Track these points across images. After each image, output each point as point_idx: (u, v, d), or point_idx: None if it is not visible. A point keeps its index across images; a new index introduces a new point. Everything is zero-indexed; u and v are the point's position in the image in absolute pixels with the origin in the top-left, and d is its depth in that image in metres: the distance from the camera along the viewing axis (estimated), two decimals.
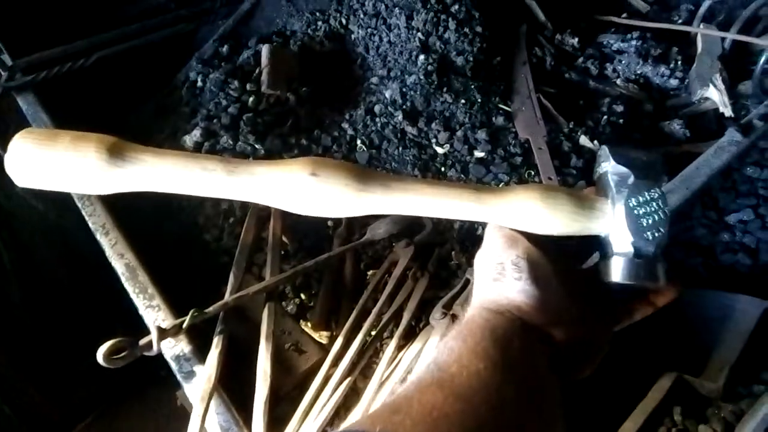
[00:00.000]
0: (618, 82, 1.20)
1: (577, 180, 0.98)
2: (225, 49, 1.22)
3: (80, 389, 1.47)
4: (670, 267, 0.52)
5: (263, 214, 0.95)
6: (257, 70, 1.14)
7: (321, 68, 1.17)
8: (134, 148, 0.54)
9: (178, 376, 0.71)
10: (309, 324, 0.84)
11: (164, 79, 1.23)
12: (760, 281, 0.84)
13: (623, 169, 0.52)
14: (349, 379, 0.71)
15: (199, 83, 1.16)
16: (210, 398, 0.65)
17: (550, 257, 0.52)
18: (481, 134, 1.03)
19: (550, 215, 0.51)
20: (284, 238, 0.94)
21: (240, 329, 0.80)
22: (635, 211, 0.51)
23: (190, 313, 0.71)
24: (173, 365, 0.71)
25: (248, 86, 1.11)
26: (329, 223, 0.97)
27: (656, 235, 0.50)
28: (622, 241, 0.51)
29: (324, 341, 0.83)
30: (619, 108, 1.12)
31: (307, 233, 0.97)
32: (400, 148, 1.03)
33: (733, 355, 0.74)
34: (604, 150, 0.55)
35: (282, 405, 0.75)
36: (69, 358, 1.33)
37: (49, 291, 1.38)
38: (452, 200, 0.52)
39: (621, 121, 1.10)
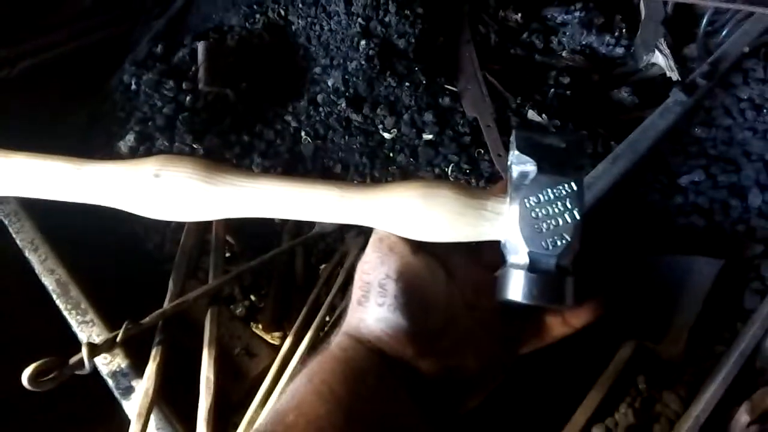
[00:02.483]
0: (563, 54, 1.19)
1: None
2: (159, 49, 1.17)
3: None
4: (592, 279, 0.44)
5: None
6: (193, 68, 1.09)
7: (261, 62, 1.13)
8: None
9: (116, 393, 0.66)
10: (260, 326, 0.80)
11: (97, 86, 1.17)
12: (714, 241, 0.83)
13: (526, 159, 0.43)
14: None
15: (133, 86, 1.11)
16: (149, 413, 0.61)
17: (445, 271, 0.44)
18: (428, 116, 1.00)
19: (430, 218, 0.42)
20: (229, 239, 0.90)
21: (184, 338, 0.76)
22: (532, 213, 0.41)
23: (123, 326, 0.66)
24: (110, 382, 0.67)
25: (184, 85, 1.06)
26: (276, 220, 0.93)
27: (558, 243, 0.41)
28: (516, 251, 0.42)
29: (277, 342, 0.79)
30: (566, 80, 1.10)
31: (255, 232, 0.93)
32: (346, 137, 1.00)
33: (692, 318, 0.73)
34: (513, 135, 0.46)
35: (236, 413, 0.71)
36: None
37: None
38: (312, 199, 0.44)
39: (568, 92, 1.09)
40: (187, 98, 1.04)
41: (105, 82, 1.17)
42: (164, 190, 0.45)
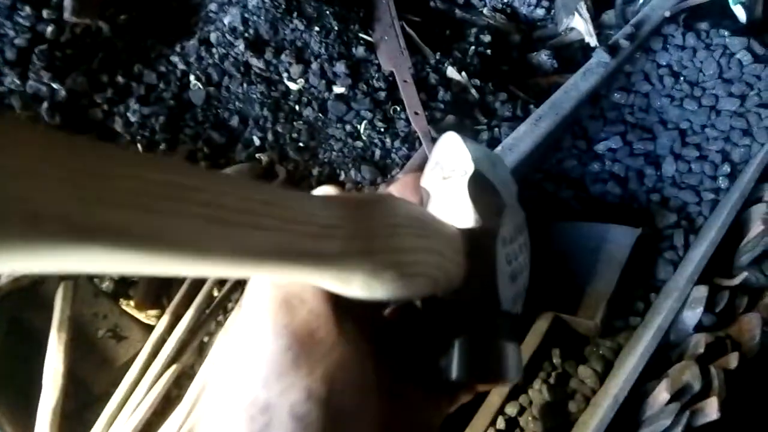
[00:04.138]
0: (485, 11, 1.12)
1: (444, 115, 0.89)
2: None
3: None
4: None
5: None
6: None
7: None
8: None
9: None
10: (131, 303, 0.67)
11: None
12: (630, 210, 0.80)
13: (483, 184, 0.34)
14: (174, 366, 0.56)
15: None
16: None
17: (373, 359, 0.29)
18: (340, 67, 0.89)
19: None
20: None
21: (36, 321, 0.62)
22: (506, 258, 0.33)
23: None
24: None
25: (45, 13, 0.87)
26: None
27: (522, 292, 0.34)
28: (476, 308, 0.32)
29: (153, 322, 0.66)
30: (487, 38, 1.04)
31: None
32: (245, 85, 0.87)
33: (609, 289, 0.70)
34: (454, 140, 0.36)
35: (96, 406, 0.59)
36: None
37: None
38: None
39: (489, 51, 1.02)
40: (48, 29, 0.86)
41: None
42: None
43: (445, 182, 0.35)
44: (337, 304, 0.27)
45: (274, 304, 0.26)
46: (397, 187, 0.37)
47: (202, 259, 0.19)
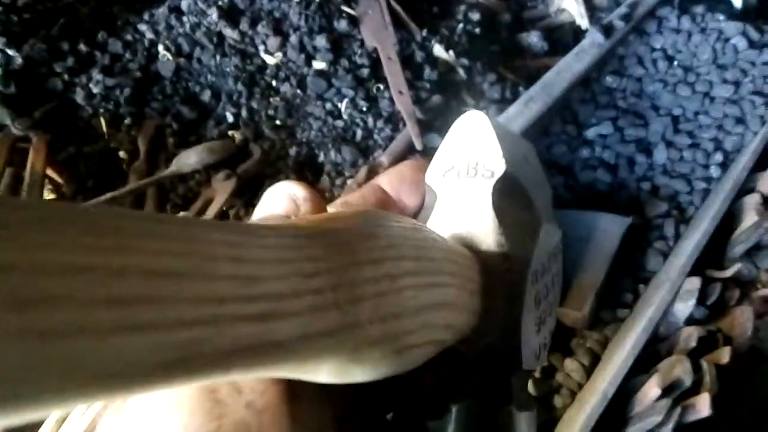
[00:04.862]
0: None
1: (430, 95, 0.85)
2: None
3: None
4: None
5: (21, 146, 0.69)
6: None
7: None
8: None
9: None
10: None
11: None
12: (619, 198, 0.78)
13: (512, 184, 0.25)
14: None
15: None
16: None
17: None
18: (321, 41, 0.84)
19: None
20: (54, 175, 0.69)
21: None
22: (536, 299, 0.24)
23: None
24: None
25: None
26: (121, 154, 0.74)
27: (547, 342, 0.26)
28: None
29: None
30: (476, 16, 1.00)
31: (93, 169, 0.73)
32: (218, 57, 0.81)
33: (598, 279, 0.67)
34: (479, 124, 0.25)
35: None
36: None
37: None
38: None
39: (477, 30, 0.98)
40: None
41: None
42: None
43: (461, 182, 0.25)
44: (291, 387, 0.18)
45: (191, 399, 0.17)
46: (391, 180, 0.27)
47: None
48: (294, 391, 0.18)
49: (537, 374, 0.63)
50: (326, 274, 0.15)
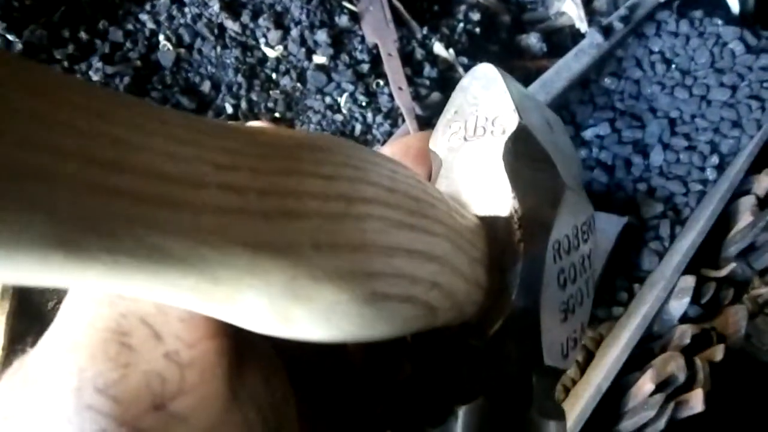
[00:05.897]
0: None
1: (430, 92, 0.85)
2: None
3: None
4: None
5: None
6: None
7: None
8: None
9: None
10: None
11: None
12: (616, 198, 0.78)
13: (530, 147, 0.21)
14: None
15: None
16: None
17: None
18: (322, 35, 0.85)
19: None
20: None
21: None
22: (560, 279, 0.20)
23: None
24: None
25: None
26: None
27: (578, 339, 0.22)
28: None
29: None
30: (476, 16, 1.00)
31: None
32: (219, 48, 0.81)
33: (594, 278, 0.67)
34: (490, 77, 0.22)
35: None
36: None
37: None
38: None
39: (477, 30, 0.99)
40: None
41: None
42: None
43: (469, 143, 0.21)
44: (236, 347, 0.15)
45: (93, 341, 0.13)
46: (395, 152, 0.24)
47: None
48: (240, 354, 0.15)
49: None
50: (249, 173, 0.13)
